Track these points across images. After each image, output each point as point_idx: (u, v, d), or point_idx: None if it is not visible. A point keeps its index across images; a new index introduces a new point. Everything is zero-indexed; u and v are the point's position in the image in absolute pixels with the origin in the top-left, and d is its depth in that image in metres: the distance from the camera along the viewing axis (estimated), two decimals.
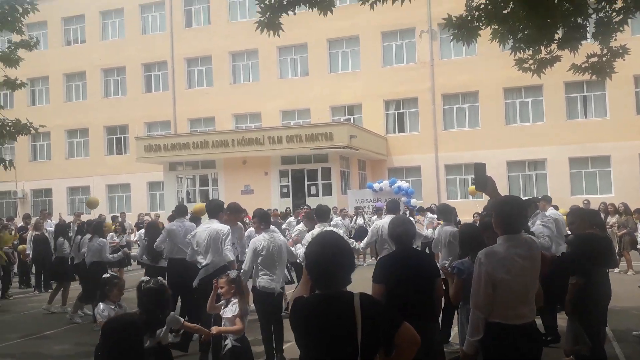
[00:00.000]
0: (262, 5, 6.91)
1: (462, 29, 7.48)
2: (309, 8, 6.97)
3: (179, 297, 7.93)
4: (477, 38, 7.62)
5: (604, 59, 8.55)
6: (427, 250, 11.03)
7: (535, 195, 20.89)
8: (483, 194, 4.37)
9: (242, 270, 6.18)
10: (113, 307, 5.04)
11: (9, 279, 13.53)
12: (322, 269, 2.62)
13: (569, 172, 24.36)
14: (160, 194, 28.65)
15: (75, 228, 12.89)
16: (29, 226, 15.09)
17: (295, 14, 7.08)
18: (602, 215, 12.97)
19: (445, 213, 7.97)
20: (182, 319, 4.71)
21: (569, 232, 6.44)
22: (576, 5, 7.03)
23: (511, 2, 6.94)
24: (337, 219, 16.71)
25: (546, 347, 4.35)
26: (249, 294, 5.96)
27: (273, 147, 23.51)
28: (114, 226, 15.35)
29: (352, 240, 7.58)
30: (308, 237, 7.06)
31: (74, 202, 31.34)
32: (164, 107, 30.60)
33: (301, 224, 10.53)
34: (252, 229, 9.42)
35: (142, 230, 11.12)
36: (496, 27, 7.64)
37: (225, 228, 7.00)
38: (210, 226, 6.95)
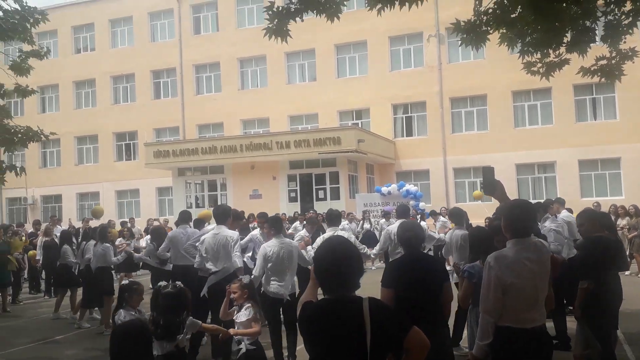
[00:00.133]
0: (270, 12, 6.94)
1: (471, 34, 7.48)
2: (317, 15, 7.00)
3: None
4: (485, 42, 7.61)
5: (613, 61, 8.52)
6: (439, 254, 10.96)
7: (546, 198, 20.80)
8: (491, 197, 4.36)
9: (252, 276, 6.19)
10: (133, 313, 5.01)
11: (19, 284, 13.64)
12: (331, 274, 2.63)
13: (579, 175, 24.20)
14: (169, 199, 28.76)
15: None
16: (38, 232, 15.20)
17: (302, 20, 7.12)
18: (613, 218, 12.90)
19: (457, 216, 7.94)
20: (200, 322, 4.70)
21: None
22: (585, 8, 7.00)
23: (519, 6, 6.93)
24: (343, 223, 16.69)
25: (555, 350, 4.32)
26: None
27: (281, 152, 23.54)
28: (124, 230, 15.42)
29: (364, 246, 7.50)
30: (319, 240, 7.06)
31: (83, 208, 31.51)
32: (173, 113, 30.76)
33: (304, 229, 10.53)
34: (255, 231, 9.44)
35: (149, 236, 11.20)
36: (504, 31, 7.63)
37: (234, 234, 7.00)
38: (219, 232, 6.93)
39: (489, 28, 7.46)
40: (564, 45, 7.76)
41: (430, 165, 26.29)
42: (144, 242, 15.40)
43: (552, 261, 4.74)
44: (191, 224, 9.38)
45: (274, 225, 6.73)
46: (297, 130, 26.62)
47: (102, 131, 32.02)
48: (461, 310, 5.96)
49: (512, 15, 7.20)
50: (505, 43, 7.92)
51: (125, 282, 5.33)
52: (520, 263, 3.47)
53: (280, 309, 6.50)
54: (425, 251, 8.07)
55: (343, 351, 2.49)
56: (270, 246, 6.50)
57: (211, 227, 8.13)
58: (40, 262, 13.36)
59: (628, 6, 7.41)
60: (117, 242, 13.17)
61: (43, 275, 14.24)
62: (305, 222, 11.71)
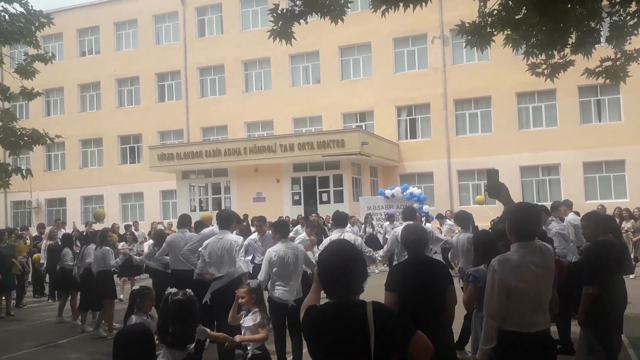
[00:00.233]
0: (275, 14, 6.94)
1: (475, 35, 7.46)
2: (321, 17, 6.99)
3: None
4: (490, 44, 7.58)
5: (618, 62, 8.49)
6: (449, 256, 10.89)
7: (554, 200, 20.71)
8: (496, 200, 4.32)
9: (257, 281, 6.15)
10: (145, 318, 4.96)
11: (23, 288, 13.66)
12: (334, 277, 2.62)
13: (583, 177, 24.11)
14: (173, 202, 28.80)
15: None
16: (43, 235, 15.23)
17: (307, 22, 7.11)
18: (617, 221, 12.82)
19: (463, 220, 7.89)
20: (209, 330, 4.66)
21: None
22: (590, 10, 6.97)
23: (524, 8, 6.90)
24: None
25: (558, 354, 4.29)
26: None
27: (285, 155, 23.56)
28: (126, 234, 15.42)
29: (370, 249, 7.44)
30: (326, 242, 7.02)
31: (87, 212, 31.58)
32: (177, 116, 30.84)
33: (304, 233, 10.51)
34: (253, 236, 9.41)
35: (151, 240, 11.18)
36: (509, 32, 7.61)
37: (239, 239, 6.97)
38: (223, 237, 6.88)
39: (493, 29, 7.44)
40: (568, 46, 7.73)
41: (434, 168, 26.25)
42: (147, 246, 15.41)
43: (557, 265, 4.70)
44: (192, 227, 9.33)
45: (279, 229, 6.68)
46: (300, 132, 26.64)
47: (106, 134, 32.12)
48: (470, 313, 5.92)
49: (516, 17, 7.17)
50: (510, 44, 7.90)
51: (135, 287, 5.28)
52: (525, 267, 3.45)
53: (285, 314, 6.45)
54: (432, 253, 8.04)
55: (347, 355, 2.49)
56: (275, 250, 6.44)
57: (209, 229, 8.04)
58: (45, 265, 13.38)
59: (633, 7, 7.38)
60: (119, 246, 13.16)
61: (47, 278, 14.26)
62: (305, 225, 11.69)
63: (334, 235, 6.94)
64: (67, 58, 33.06)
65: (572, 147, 23.83)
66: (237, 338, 4.95)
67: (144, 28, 32.03)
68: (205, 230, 8.10)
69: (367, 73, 28.01)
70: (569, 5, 6.67)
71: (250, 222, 17.91)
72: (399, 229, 8.05)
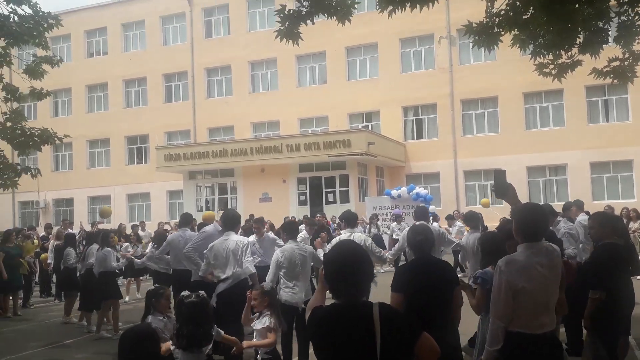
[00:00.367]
0: (282, 15, 6.94)
1: (483, 35, 7.43)
2: (327, 17, 6.99)
3: None
4: (498, 44, 7.56)
5: (626, 62, 8.45)
6: (459, 257, 10.82)
7: (556, 201, 20.61)
8: (502, 200, 4.31)
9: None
10: (162, 318, 4.96)
11: (30, 288, 13.73)
12: (341, 278, 2.62)
13: (590, 177, 23.99)
14: (180, 202, 28.86)
15: None
16: (50, 236, 15.30)
17: (313, 23, 7.11)
18: (625, 221, 12.74)
19: (472, 220, 7.86)
20: (222, 332, 4.63)
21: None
22: (597, 9, 6.93)
23: (531, 8, 6.87)
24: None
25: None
26: None
27: (291, 155, 23.57)
28: (131, 235, 15.45)
29: (380, 249, 7.35)
30: (335, 241, 6.99)
31: (94, 212, 31.69)
32: (184, 117, 30.93)
33: (304, 231, 10.46)
34: (251, 237, 9.38)
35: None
36: (516, 32, 7.58)
37: (244, 239, 6.92)
38: (228, 238, 6.83)
39: (501, 30, 7.41)
40: (576, 46, 7.70)
41: (441, 168, 26.19)
42: (151, 246, 15.46)
43: (566, 267, 4.67)
44: (193, 226, 9.29)
45: (287, 229, 6.67)
46: (307, 133, 26.64)
47: (113, 135, 32.26)
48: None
49: (524, 17, 7.14)
50: (518, 45, 7.87)
51: (150, 288, 5.27)
52: (532, 268, 3.43)
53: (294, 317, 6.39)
54: (442, 255, 7.99)
55: (353, 356, 2.48)
56: (282, 251, 6.42)
57: (210, 227, 7.96)
58: (52, 265, 13.44)
59: None
60: (123, 247, 13.20)
61: (54, 278, 14.33)
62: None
63: (344, 235, 6.88)
64: (75, 59, 33.23)
65: (579, 147, 23.71)
66: (245, 344, 4.93)
67: (151, 29, 32.16)
68: (207, 229, 8.01)
69: (373, 73, 27.98)
70: (577, 5, 6.64)
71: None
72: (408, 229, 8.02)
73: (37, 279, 14.87)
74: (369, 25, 24.82)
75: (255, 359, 5.04)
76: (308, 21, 7.01)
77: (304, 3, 6.94)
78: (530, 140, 24.63)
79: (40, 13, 11.56)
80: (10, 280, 11.65)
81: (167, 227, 18.49)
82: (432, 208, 20.74)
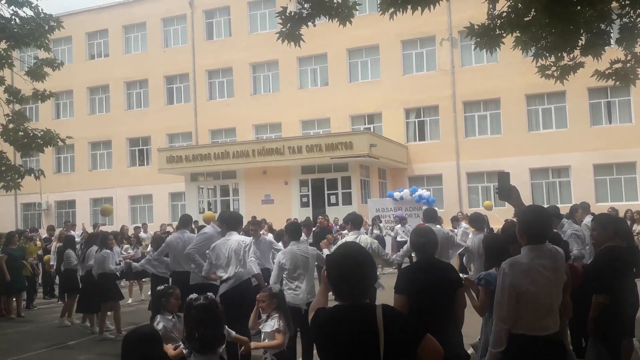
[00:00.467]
0: (283, 17, 6.95)
1: (485, 37, 7.43)
2: (329, 19, 6.99)
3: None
4: (500, 46, 7.55)
5: (628, 65, 8.43)
6: (463, 259, 10.75)
7: (559, 203, 20.60)
8: (506, 202, 4.30)
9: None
10: (170, 317, 4.96)
11: (34, 289, 13.76)
12: (344, 280, 2.62)
13: (593, 179, 23.95)
14: (182, 204, 28.90)
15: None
16: (52, 237, 15.33)
17: (314, 25, 7.11)
18: (628, 223, 12.71)
19: (478, 222, 7.82)
20: (233, 332, 4.63)
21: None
22: (599, 11, 6.93)
23: (533, 10, 6.87)
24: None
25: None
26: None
27: (293, 157, 23.58)
28: (131, 237, 15.46)
29: (387, 252, 7.31)
30: (341, 242, 6.97)
31: (97, 214, 31.75)
32: (186, 119, 30.97)
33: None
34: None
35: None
36: (518, 34, 7.58)
37: (247, 239, 6.92)
38: (230, 238, 6.83)
39: (502, 32, 7.41)
40: (578, 48, 7.69)
41: (443, 170, 26.17)
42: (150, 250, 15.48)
43: (572, 271, 4.65)
44: (193, 228, 9.27)
45: (289, 231, 6.68)
46: (309, 135, 26.67)
47: (115, 137, 32.32)
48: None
49: (526, 19, 7.14)
50: (520, 47, 7.87)
51: (160, 288, 5.27)
52: (535, 270, 3.43)
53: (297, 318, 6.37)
54: (451, 258, 7.95)
55: (356, 358, 2.48)
56: (284, 253, 6.44)
57: (209, 229, 7.94)
58: (54, 267, 13.46)
59: None
60: (122, 249, 13.21)
61: (57, 280, 14.35)
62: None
63: (350, 237, 6.86)
64: (76, 61, 33.30)
65: (582, 149, 23.69)
66: (253, 345, 4.92)
67: (152, 31, 32.22)
68: (206, 230, 8.00)
69: (375, 75, 28.00)
70: (579, 7, 6.63)
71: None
72: None
73: (40, 281, 14.89)
74: (371, 27, 24.81)
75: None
76: (309, 23, 7.02)
77: (305, 5, 6.94)
78: (533, 142, 24.60)
79: (42, 15, 11.58)
80: (13, 282, 11.69)
81: (169, 228, 18.49)
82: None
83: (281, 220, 17.84)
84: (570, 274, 4.76)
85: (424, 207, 20.65)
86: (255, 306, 5.13)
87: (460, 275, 4.84)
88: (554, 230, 6.60)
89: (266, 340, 4.92)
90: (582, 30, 7.26)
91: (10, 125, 12.34)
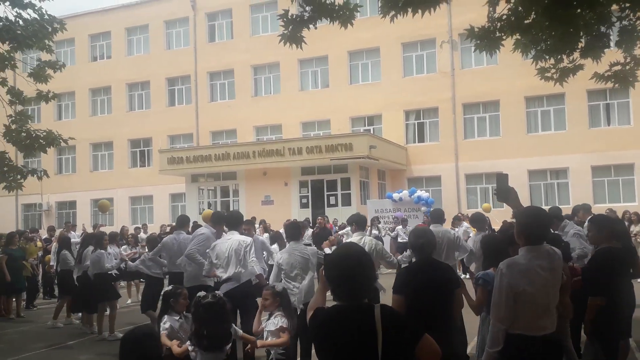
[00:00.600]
0: (285, 19, 6.99)
1: (485, 39, 7.46)
2: (330, 22, 7.03)
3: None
4: (499, 48, 7.59)
5: (627, 67, 8.47)
6: (464, 259, 10.72)
7: (558, 205, 20.62)
8: (504, 204, 4.32)
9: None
10: (178, 318, 4.98)
11: (34, 290, 13.78)
12: (343, 280, 2.63)
13: (592, 181, 23.98)
14: (182, 205, 28.92)
15: None
16: (53, 238, 15.34)
17: (316, 28, 7.15)
18: (626, 224, 12.73)
19: (479, 222, 7.82)
20: (240, 330, 4.64)
21: None
22: (599, 14, 6.96)
23: (533, 12, 6.91)
24: (348, 229, 16.71)
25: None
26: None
27: (293, 158, 23.62)
28: (129, 238, 15.46)
29: (391, 254, 7.28)
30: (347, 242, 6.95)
31: (97, 214, 31.75)
32: (187, 120, 31.01)
33: None
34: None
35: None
36: (518, 37, 7.61)
37: (247, 239, 6.90)
38: (231, 238, 6.83)
39: (502, 34, 7.44)
40: (578, 50, 7.73)
41: (442, 172, 26.20)
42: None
43: (572, 274, 4.66)
44: (187, 229, 9.25)
45: (288, 231, 6.69)
46: (309, 136, 26.71)
47: (117, 138, 32.35)
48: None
49: (526, 22, 7.17)
50: (520, 49, 7.90)
51: (168, 288, 5.28)
52: (533, 270, 3.45)
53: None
54: (457, 260, 7.94)
55: (354, 358, 2.49)
56: (282, 253, 6.45)
57: (204, 230, 7.90)
58: (54, 268, 13.47)
59: None
60: (121, 249, 13.23)
61: (57, 280, 14.36)
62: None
63: (354, 238, 6.85)
64: (79, 63, 33.35)
65: (580, 151, 23.72)
66: (259, 343, 4.92)
67: (155, 33, 32.27)
68: (202, 231, 7.94)
69: (375, 77, 28.04)
70: (579, 10, 6.67)
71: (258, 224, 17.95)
72: None
73: (40, 281, 14.91)
74: (371, 29, 24.85)
75: (270, 359, 5.02)
76: (311, 25, 7.05)
77: (307, 8, 6.98)
78: (532, 144, 24.63)
79: (46, 17, 11.62)
80: (14, 282, 11.70)
81: (169, 229, 18.50)
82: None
83: (281, 221, 17.89)
84: (569, 275, 4.79)
85: (423, 208, 20.76)
86: (258, 311, 5.10)
87: (463, 275, 4.85)
88: (556, 231, 6.63)
89: (270, 339, 4.91)
90: (581, 33, 7.30)
91: (13, 126, 12.37)
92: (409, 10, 6.58)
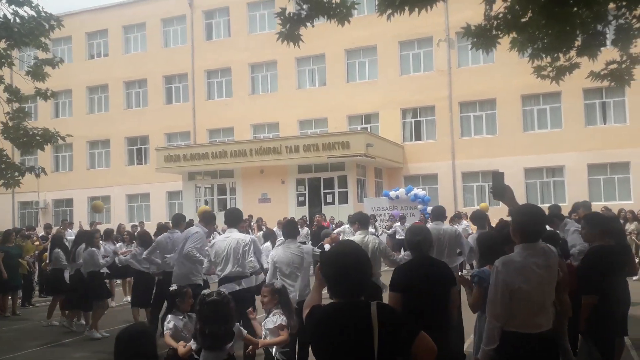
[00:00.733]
0: (282, 17, 7.00)
1: (481, 38, 7.48)
2: (327, 19, 7.04)
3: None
4: (496, 46, 7.60)
5: (624, 65, 8.50)
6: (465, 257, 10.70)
7: (553, 203, 20.64)
8: (500, 202, 4.34)
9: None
10: (182, 317, 4.98)
11: (31, 287, 13.76)
12: (339, 278, 2.63)
13: (588, 179, 24.05)
14: (179, 203, 28.89)
15: None
16: (49, 236, 15.31)
17: (313, 26, 7.15)
18: (621, 222, 12.78)
19: (479, 219, 7.81)
20: (245, 331, 4.59)
21: None
22: (595, 13, 6.99)
23: (529, 11, 6.93)
24: (345, 227, 16.76)
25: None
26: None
27: (290, 156, 23.63)
28: (124, 235, 15.44)
29: (394, 253, 7.26)
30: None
31: (94, 212, 31.71)
32: (184, 118, 30.97)
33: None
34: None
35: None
36: (515, 35, 7.63)
37: (246, 237, 6.89)
38: (230, 236, 6.82)
39: (499, 32, 7.46)
40: (574, 49, 7.75)
41: (439, 170, 26.25)
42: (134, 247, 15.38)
43: (570, 270, 4.66)
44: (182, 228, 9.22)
45: (285, 229, 6.68)
46: (306, 134, 26.71)
47: (114, 136, 32.29)
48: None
49: (522, 20, 7.19)
50: (517, 48, 7.92)
51: (173, 287, 5.27)
52: (529, 268, 3.46)
53: None
54: (460, 259, 7.92)
55: (350, 356, 2.49)
56: (277, 250, 6.44)
57: (196, 228, 7.87)
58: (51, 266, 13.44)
59: (639, 10, 7.38)
60: (117, 246, 13.22)
61: (47, 278, 14.32)
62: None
63: (357, 237, 6.84)
64: (76, 61, 33.25)
65: (576, 149, 23.79)
66: (260, 342, 4.88)
67: (152, 31, 32.20)
68: (197, 229, 7.89)
69: (372, 76, 28.04)
70: (575, 8, 6.69)
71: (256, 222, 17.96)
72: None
73: (37, 279, 14.89)
74: (368, 28, 24.87)
75: (274, 358, 5.00)
76: (308, 24, 7.06)
77: (304, 6, 6.99)
78: (528, 142, 24.69)
79: (43, 14, 11.58)
80: (10, 279, 11.69)
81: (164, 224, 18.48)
82: (430, 209, 20.84)
83: (278, 219, 17.91)
84: (567, 272, 4.79)
85: (420, 206, 20.82)
86: (254, 316, 5.06)
87: (460, 273, 4.86)
88: (557, 230, 6.64)
89: (268, 337, 4.87)
90: (578, 31, 7.32)
91: (10, 123, 12.34)
92: (406, 8, 6.59)
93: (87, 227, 21.19)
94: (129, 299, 12.73)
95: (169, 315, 4.98)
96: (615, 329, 4.97)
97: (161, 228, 9.90)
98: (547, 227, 5.53)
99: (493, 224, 12.50)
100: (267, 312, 4.99)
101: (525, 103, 25.40)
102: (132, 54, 32.89)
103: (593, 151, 23.58)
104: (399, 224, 17.19)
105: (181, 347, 4.49)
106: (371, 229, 17.46)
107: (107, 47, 33.45)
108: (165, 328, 4.98)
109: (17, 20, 11.21)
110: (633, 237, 13.60)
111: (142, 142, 32.23)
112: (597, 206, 17.78)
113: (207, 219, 7.92)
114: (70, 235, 15.39)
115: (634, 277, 11.48)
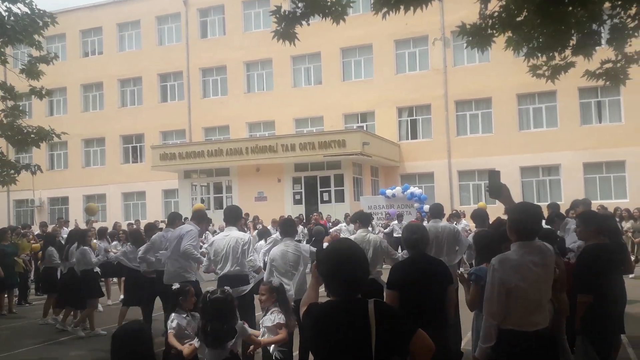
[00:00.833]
0: (277, 16, 7.00)
1: (476, 36, 7.50)
2: (322, 17, 7.04)
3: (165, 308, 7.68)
4: (491, 45, 7.62)
5: (619, 64, 8.54)
6: (464, 256, 10.71)
7: (550, 201, 20.71)
8: (496, 200, 4.35)
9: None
10: (185, 316, 4.98)
11: (26, 286, 13.73)
12: (337, 276, 2.63)
13: (583, 178, 24.14)
14: (175, 201, 28.87)
15: None
16: (45, 234, 15.26)
17: (308, 24, 7.15)
18: (617, 220, 12.83)
19: (479, 218, 7.81)
20: (249, 330, 4.57)
21: None
22: (590, 12, 7.01)
23: (525, 10, 6.95)
24: (341, 225, 16.82)
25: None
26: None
27: (286, 155, 23.63)
28: (119, 233, 15.43)
29: (395, 252, 7.25)
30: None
31: (88, 215, 31.63)
32: (180, 116, 30.90)
33: (278, 232, 10.44)
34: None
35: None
36: (510, 34, 7.65)
37: (245, 236, 6.87)
38: (229, 234, 6.80)
39: (494, 31, 7.48)
40: (569, 48, 7.78)
41: (435, 168, 26.28)
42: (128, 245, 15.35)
43: (568, 268, 4.65)
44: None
45: (282, 227, 6.69)
46: (302, 133, 26.70)
47: (109, 134, 32.19)
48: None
49: (517, 19, 7.21)
50: (512, 47, 7.94)
51: (176, 286, 5.27)
52: (525, 266, 3.47)
53: None
54: (457, 259, 7.93)
55: (348, 354, 2.49)
56: (275, 249, 6.45)
57: (190, 226, 7.77)
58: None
59: (634, 9, 7.42)
60: (112, 245, 13.20)
61: (39, 277, 14.29)
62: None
63: (359, 235, 6.86)
64: (70, 58, 33.11)
65: (572, 148, 23.86)
66: (260, 342, 4.88)
67: (146, 29, 32.09)
68: (191, 227, 7.76)
69: (368, 74, 28.05)
70: (570, 8, 6.71)
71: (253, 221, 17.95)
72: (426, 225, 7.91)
73: (32, 277, 14.86)
74: (364, 26, 24.89)
75: (273, 356, 5.00)
76: (303, 22, 7.06)
77: (299, 4, 6.99)
78: (524, 141, 24.75)
79: (36, 11, 11.53)
80: (6, 278, 11.66)
81: (161, 225, 18.46)
82: (426, 208, 20.86)
83: (274, 217, 17.92)
84: (564, 270, 4.79)
85: (416, 205, 20.85)
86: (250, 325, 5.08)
87: (458, 271, 4.88)
88: (558, 230, 6.65)
89: (267, 335, 4.87)
90: (573, 31, 7.35)
91: (5, 121, 12.29)
92: (401, 7, 6.61)
93: (83, 226, 21.17)
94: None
95: (173, 314, 4.98)
96: (612, 328, 4.96)
97: (148, 228, 9.84)
98: (545, 226, 5.54)
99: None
100: (265, 310, 4.99)
101: (521, 102, 25.46)
102: (127, 51, 32.78)
103: (589, 150, 23.67)
104: (396, 222, 17.22)
105: (186, 349, 4.50)
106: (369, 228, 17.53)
107: (102, 45, 33.33)
108: (169, 327, 4.98)
109: (11, 17, 11.15)
110: (629, 235, 13.66)
111: (138, 140, 32.15)
112: (592, 205, 17.84)
113: (199, 218, 7.89)
114: (66, 233, 15.33)
115: (630, 276, 11.52)
